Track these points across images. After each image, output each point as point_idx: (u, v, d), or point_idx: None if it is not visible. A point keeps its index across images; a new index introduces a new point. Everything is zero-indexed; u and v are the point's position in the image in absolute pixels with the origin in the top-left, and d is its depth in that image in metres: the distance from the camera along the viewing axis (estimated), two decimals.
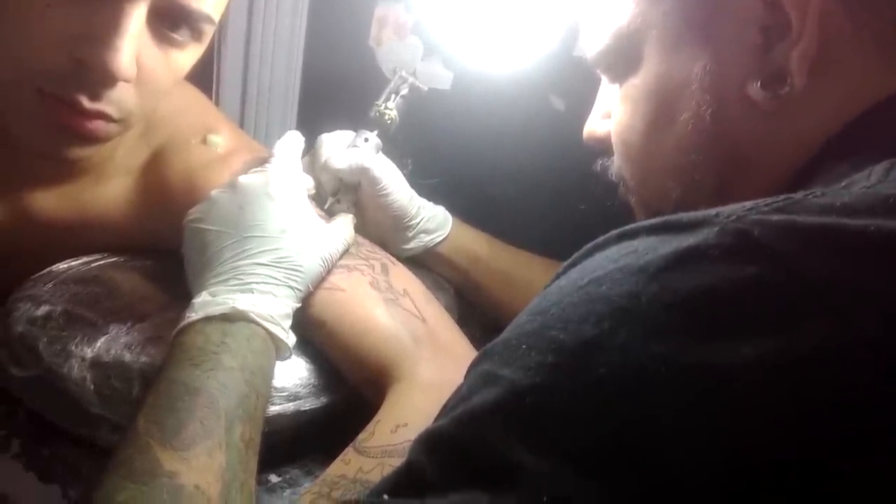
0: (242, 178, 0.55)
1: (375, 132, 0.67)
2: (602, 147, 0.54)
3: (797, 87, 0.39)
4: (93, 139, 0.53)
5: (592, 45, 0.51)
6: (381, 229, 0.69)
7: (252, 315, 0.49)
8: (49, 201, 0.61)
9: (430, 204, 0.72)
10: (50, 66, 0.48)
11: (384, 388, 0.52)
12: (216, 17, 0.53)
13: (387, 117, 0.67)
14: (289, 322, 0.52)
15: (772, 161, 0.41)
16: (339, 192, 0.66)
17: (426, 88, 0.71)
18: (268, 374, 0.49)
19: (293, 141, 0.60)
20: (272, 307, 0.50)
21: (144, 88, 0.52)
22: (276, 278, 0.51)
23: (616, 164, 0.51)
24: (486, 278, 0.71)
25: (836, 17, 0.39)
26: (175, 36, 0.51)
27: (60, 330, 0.54)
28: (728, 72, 0.42)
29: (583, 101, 0.59)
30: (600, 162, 0.54)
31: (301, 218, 0.55)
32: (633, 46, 0.46)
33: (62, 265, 0.60)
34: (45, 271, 0.60)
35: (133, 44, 0.47)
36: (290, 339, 0.51)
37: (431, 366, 0.53)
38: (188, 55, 0.54)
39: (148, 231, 0.63)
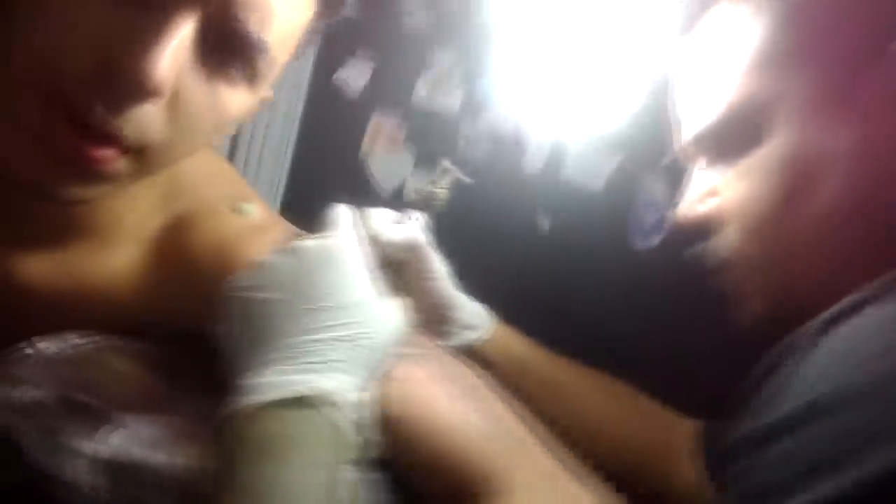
0: (308, 243, 0.48)
1: (421, 213, 0.62)
2: (700, 229, 0.50)
3: None
4: (95, 173, 0.42)
5: (693, 124, 0.49)
6: (421, 316, 0.61)
7: (330, 399, 0.40)
8: (39, 266, 0.50)
9: (470, 299, 0.66)
10: (71, 63, 0.39)
11: (475, 499, 0.43)
12: (276, 57, 0.45)
13: (437, 198, 0.62)
14: (364, 408, 0.43)
15: None
16: (383, 269, 0.58)
17: (469, 181, 0.67)
18: (347, 471, 0.39)
19: (347, 214, 0.54)
20: (348, 390, 0.41)
21: (178, 119, 0.42)
22: (353, 357, 0.43)
23: (730, 244, 0.48)
24: (536, 387, 0.64)
25: None
26: (225, 68, 0.43)
27: (54, 420, 0.42)
28: (881, 139, 0.40)
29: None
30: (694, 246, 0.51)
31: (373, 291, 0.47)
32: (756, 118, 0.44)
33: (46, 346, 0.48)
34: (25, 351, 0.48)
35: (173, 56, 0.39)
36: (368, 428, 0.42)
37: (527, 472, 0.45)
38: (238, 97, 0.45)
39: (156, 309, 0.53)
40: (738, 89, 0.45)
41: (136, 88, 0.39)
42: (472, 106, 1.06)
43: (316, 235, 0.50)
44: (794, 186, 0.43)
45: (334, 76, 1.13)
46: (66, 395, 0.44)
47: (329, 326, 0.43)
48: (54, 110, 0.39)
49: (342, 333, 0.43)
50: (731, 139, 0.46)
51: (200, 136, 0.45)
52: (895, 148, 0.39)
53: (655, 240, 1.16)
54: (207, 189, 0.55)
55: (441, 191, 0.64)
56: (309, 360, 0.41)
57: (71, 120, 0.39)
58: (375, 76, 1.11)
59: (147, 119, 0.41)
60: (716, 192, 0.49)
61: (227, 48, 0.42)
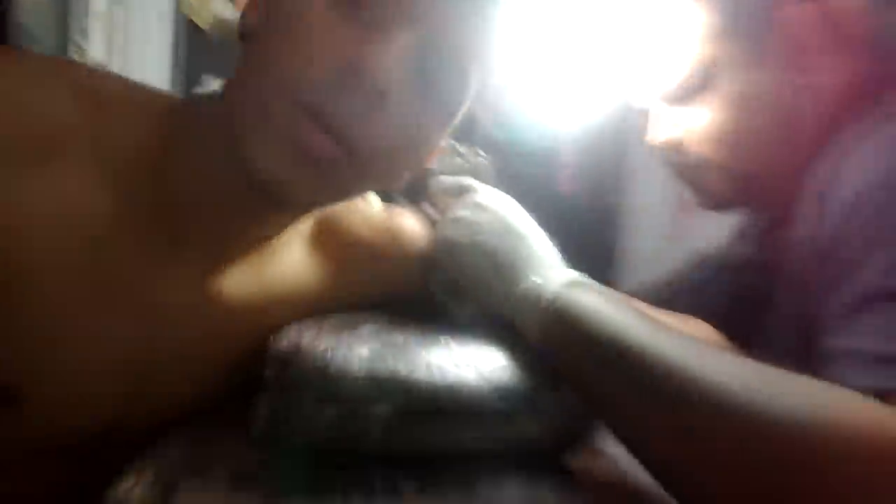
0: (480, 197, 0.64)
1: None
2: (670, 147, 0.80)
3: None
4: (326, 169, 0.49)
5: (664, 82, 0.78)
6: None
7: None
8: (236, 281, 0.58)
9: None
10: (316, 75, 0.48)
11: None
12: (469, 90, 0.53)
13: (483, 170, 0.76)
14: None
15: None
16: None
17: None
18: None
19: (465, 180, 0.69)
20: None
21: (391, 128, 0.50)
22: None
23: (701, 152, 0.77)
24: None
25: None
26: (432, 89, 0.51)
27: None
28: (787, 77, 0.73)
29: None
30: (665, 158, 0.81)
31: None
32: (708, 72, 0.75)
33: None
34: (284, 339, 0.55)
35: (396, 65, 0.48)
36: None
37: None
38: (435, 125, 0.54)
39: (333, 295, 0.64)
40: (695, 55, 0.75)
41: (369, 91, 0.48)
42: None
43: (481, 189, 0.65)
44: (741, 110, 0.74)
45: None
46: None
47: (551, 249, 0.61)
48: (300, 113, 0.48)
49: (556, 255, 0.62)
50: (689, 88, 0.76)
51: (400, 156, 0.53)
52: (794, 82, 0.73)
53: None
54: None
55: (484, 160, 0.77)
56: (558, 264, 0.60)
57: (314, 121, 0.48)
58: None
59: (373, 122, 0.49)
60: (678, 123, 0.79)
61: (436, 68, 0.50)
